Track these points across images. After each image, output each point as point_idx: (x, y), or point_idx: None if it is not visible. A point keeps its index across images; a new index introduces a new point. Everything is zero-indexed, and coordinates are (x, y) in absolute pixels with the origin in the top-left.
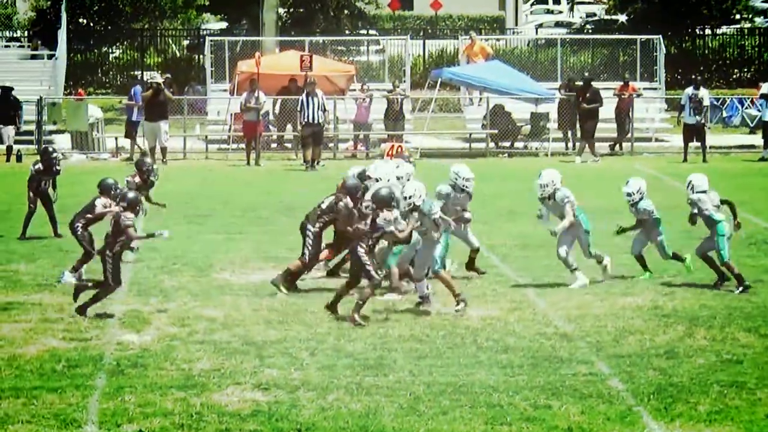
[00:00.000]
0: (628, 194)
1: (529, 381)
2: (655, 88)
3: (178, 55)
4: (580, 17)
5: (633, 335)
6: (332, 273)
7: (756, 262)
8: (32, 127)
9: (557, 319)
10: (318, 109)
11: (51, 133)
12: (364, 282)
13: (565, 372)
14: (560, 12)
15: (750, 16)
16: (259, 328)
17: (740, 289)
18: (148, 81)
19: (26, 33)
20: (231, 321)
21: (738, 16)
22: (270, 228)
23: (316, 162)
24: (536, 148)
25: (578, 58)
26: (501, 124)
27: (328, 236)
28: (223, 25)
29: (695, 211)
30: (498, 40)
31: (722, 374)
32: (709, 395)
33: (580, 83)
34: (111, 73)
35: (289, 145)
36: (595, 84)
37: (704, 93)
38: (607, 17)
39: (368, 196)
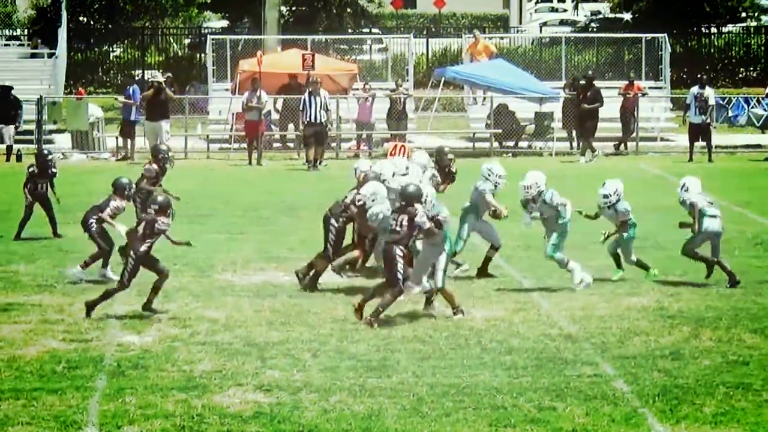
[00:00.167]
0: (605, 196)
1: (533, 382)
2: (661, 87)
3: (179, 53)
4: (585, 15)
5: (638, 336)
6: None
7: (762, 262)
8: (32, 126)
9: (562, 320)
10: (320, 108)
11: (51, 132)
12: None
13: (569, 373)
14: (565, 10)
15: (756, 14)
16: (261, 329)
17: (728, 283)
18: (149, 80)
19: (26, 31)
20: (232, 322)
21: (744, 15)
22: (272, 228)
23: (318, 162)
24: (540, 148)
25: (583, 56)
26: (505, 124)
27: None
28: (225, 23)
29: (688, 207)
30: (502, 38)
31: (728, 376)
32: (715, 397)
33: (582, 82)
34: (112, 72)
35: (291, 145)
36: (600, 83)
37: (710, 92)
38: (612, 15)
39: (363, 190)
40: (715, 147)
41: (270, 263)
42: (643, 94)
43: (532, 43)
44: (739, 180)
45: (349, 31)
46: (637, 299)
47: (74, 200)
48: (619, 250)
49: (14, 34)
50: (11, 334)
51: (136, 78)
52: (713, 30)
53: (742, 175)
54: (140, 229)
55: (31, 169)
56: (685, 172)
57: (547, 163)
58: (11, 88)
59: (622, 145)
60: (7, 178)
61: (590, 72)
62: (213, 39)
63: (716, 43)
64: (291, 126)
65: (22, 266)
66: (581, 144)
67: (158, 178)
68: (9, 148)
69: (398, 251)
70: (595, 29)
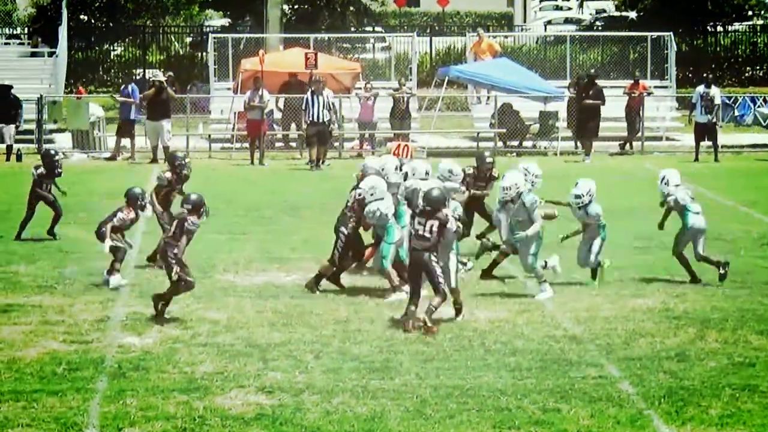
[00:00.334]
0: (577, 196)
1: (537, 384)
2: (666, 87)
3: (180, 52)
4: (590, 14)
5: (643, 338)
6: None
7: None
8: (32, 126)
9: (566, 322)
10: (323, 107)
11: (51, 132)
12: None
13: (574, 375)
14: (569, 8)
15: (762, 12)
16: (263, 330)
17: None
18: (150, 79)
19: (26, 30)
20: (234, 323)
21: (750, 13)
22: (274, 228)
23: (321, 161)
24: (545, 148)
25: (587, 55)
26: (509, 123)
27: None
28: (227, 21)
29: (671, 203)
30: (506, 37)
31: (734, 377)
32: (721, 399)
33: (584, 80)
34: (112, 71)
35: (293, 144)
36: (605, 82)
37: (716, 91)
38: (617, 14)
39: (362, 184)
40: (721, 146)
41: (272, 264)
42: (649, 94)
43: (536, 42)
44: (746, 180)
45: (352, 29)
46: (643, 300)
47: (75, 200)
48: (592, 253)
49: (14, 32)
50: (11, 336)
51: (137, 77)
52: (719, 28)
53: (749, 175)
54: (172, 229)
55: (39, 170)
56: (691, 171)
57: (551, 163)
58: (11, 87)
59: (628, 144)
60: (7, 178)
61: (592, 71)
62: (215, 37)
63: (722, 42)
64: (293, 125)
65: (23, 267)
66: (584, 144)
67: (173, 186)
68: (9, 148)
69: (433, 258)
70: (600, 28)
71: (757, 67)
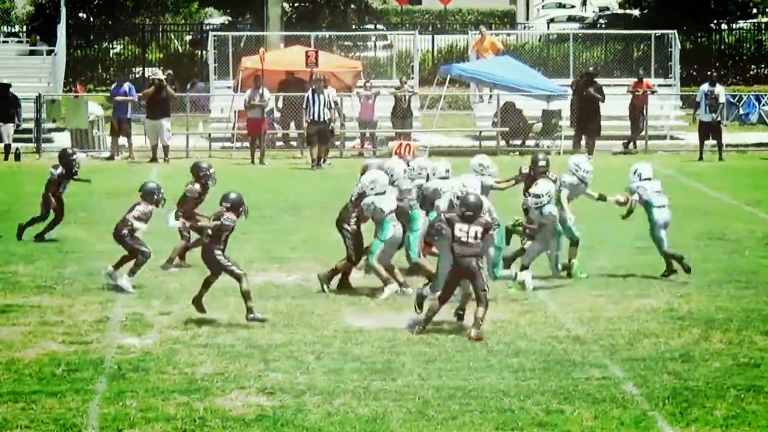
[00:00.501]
0: (536, 196)
1: (540, 385)
2: (670, 85)
3: (180, 50)
4: (593, 11)
5: (647, 338)
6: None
7: None
8: (31, 125)
9: (569, 322)
10: (324, 106)
11: (50, 131)
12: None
13: (577, 376)
14: (572, 6)
15: (767, 9)
16: (264, 331)
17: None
18: (150, 77)
19: (24, 28)
20: (235, 324)
21: (755, 10)
22: (274, 227)
23: (322, 160)
24: (548, 147)
25: (591, 53)
26: (512, 122)
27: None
28: (227, 19)
29: (636, 198)
30: (509, 35)
31: (739, 378)
32: (726, 400)
33: (584, 78)
34: (112, 69)
35: (294, 144)
36: (608, 80)
37: (720, 90)
38: (621, 11)
39: (363, 178)
40: (726, 145)
41: (272, 263)
42: (653, 92)
43: (539, 40)
44: (750, 179)
45: (353, 27)
46: (647, 301)
47: (75, 200)
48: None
49: (12, 30)
50: (10, 336)
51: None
52: (724, 26)
53: (753, 174)
54: (210, 224)
55: (58, 171)
56: (696, 171)
57: (554, 162)
58: (9, 85)
59: (631, 143)
60: (6, 177)
61: (591, 69)
62: (214, 36)
63: (727, 40)
64: (292, 124)
65: (21, 267)
66: (587, 142)
67: (200, 197)
68: (7, 147)
69: (481, 264)
70: (603, 25)
71: (762, 65)
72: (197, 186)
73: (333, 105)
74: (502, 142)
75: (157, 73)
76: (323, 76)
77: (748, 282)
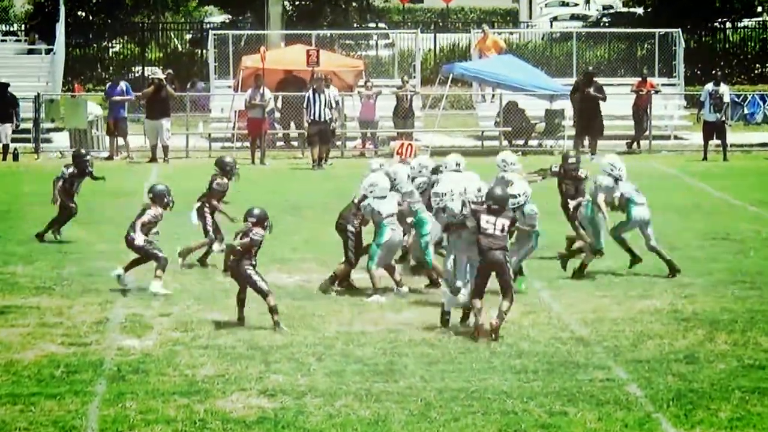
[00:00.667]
0: (513, 196)
1: (544, 387)
2: (674, 84)
3: (180, 49)
4: (597, 10)
5: (651, 339)
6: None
7: None
8: (30, 125)
9: (573, 323)
10: (325, 106)
11: (49, 131)
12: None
13: (581, 377)
14: (576, 4)
15: None
16: (265, 332)
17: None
18: (149, 77)
19: (23, 27)
20: (235, 325)
21: (760, 9)
22: (275, 228)
23: (323, 161)
24: (551, 146)
25: (594, 52)
26: (515, 122)
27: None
28: (227, 18)
29: (599, 192)
30: (511, 33)
31: (744, 380)
32: (731, 401)
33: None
34: (111, 68)
35: (295, 144)
36: (612, 79)
37: (725, 89)
38: (624, 10)
39: (364, 182)
40: (730, 145)
41: (273, 264)
42: (657, 91)
43: (542, 39)
44: (755, 179)
45: (355, 26)
46: (651, 302)
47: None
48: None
49: (11, 29)
50: (8, 338)
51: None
52: (728, 25)
53: (758, 174)
54: (237, 240)
55: (70, 170)
56: (700, 171)
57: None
58: (8, 85)
59: (635, 143)
60: (4, 178)
61: (591, 68)
62: (215, 34)
63: (731, 39)
64: (292, 124)
65: (20, 268)
66: (590, 143)
67: (227, 192)
68: (6, 147)
69: (507, 258)
70: (606, 24)
71: (767, 64)
72: (225, 180)
73: (334, 104)
74: (505, 142)
75: (157, 73)
76: (326, 75)
77: (752, 283)
